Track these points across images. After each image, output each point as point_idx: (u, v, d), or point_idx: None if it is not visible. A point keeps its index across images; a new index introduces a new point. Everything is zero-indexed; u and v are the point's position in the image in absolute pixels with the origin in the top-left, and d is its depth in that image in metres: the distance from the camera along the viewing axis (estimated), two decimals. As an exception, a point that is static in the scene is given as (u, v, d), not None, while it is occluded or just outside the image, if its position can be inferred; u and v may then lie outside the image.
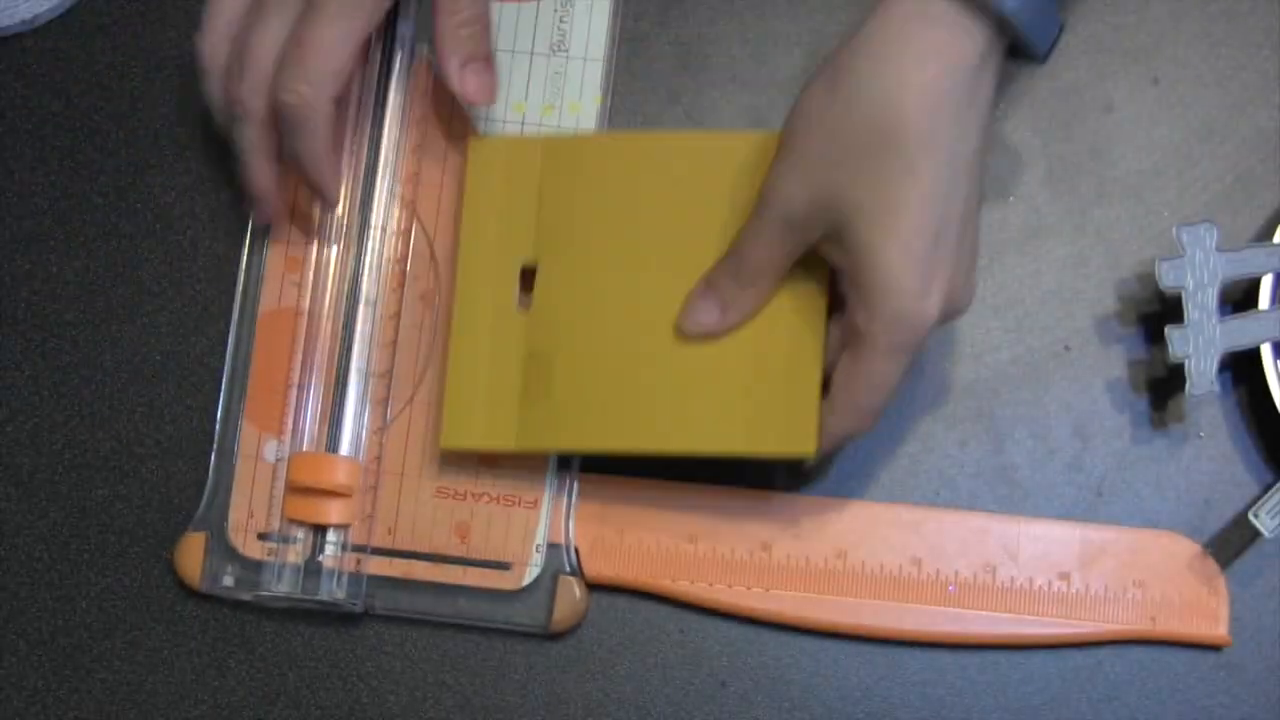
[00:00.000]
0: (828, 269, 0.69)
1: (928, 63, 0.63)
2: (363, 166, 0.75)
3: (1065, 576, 0.73)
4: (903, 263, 0.63)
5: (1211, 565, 0.73)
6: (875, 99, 0.63)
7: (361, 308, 0.74)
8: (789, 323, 0.70)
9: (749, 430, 0.70)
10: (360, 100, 0.75)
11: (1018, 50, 0.66)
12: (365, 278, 0.75)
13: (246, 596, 0.73)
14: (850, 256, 0.65)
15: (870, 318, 0.65)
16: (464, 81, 0.71)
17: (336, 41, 0.68)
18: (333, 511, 0.72)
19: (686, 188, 0.72)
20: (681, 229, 0.72)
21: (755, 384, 0.70)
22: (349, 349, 0.74)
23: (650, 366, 0.71)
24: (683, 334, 0.70)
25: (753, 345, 0.70)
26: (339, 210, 0.74)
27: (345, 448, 0.73)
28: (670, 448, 0.71)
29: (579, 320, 0.72)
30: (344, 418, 0.73)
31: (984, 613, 0.73)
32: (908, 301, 0.64)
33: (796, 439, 0.69)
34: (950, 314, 0.66)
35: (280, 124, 0.70)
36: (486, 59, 0.72)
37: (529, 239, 0.73)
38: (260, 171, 0.72)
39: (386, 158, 0.75)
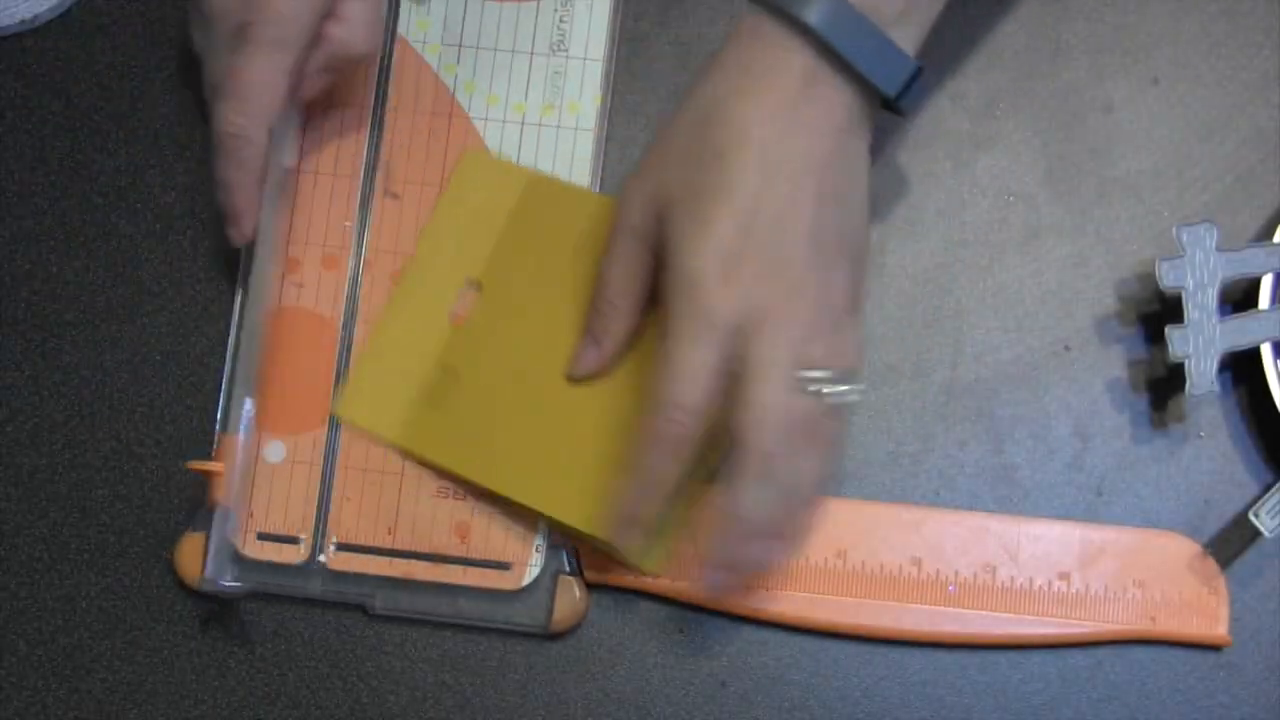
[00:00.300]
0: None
1: (751, 72, 0.65)
2: (362, 167, 0.76)
3: (1065, 576, 0.73)
4: (703, 249, 0.64)
5: (1211, 565, 0.73)
6: (705, 103, 0.66)
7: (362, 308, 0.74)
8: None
9: (599, 515, 0.70)
10: (360, 102, 0.76)
11: (888, 105, 0.68)
12: (363, 280, 0.75)
13: (245, 591, 0.73)
14: (664, 250, 0.66)
15: (671, 300, 0.65)
16: (308, 85, 0.72)
17: (265, 73, 0.69)
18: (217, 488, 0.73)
19: None
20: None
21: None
22: (348, 348, 0.75)
23: (541, 419, 0.72)
24: (571, 379, 0.72)
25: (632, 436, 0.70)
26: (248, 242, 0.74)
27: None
28: (527, 501, 0.72)
29: (497, 350, 0.73)
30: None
31: (984, 613, 0.73)
32: (702, 286, 0.64)
33: (646, 553, 0.71)
34: (762, 317, 0.64)
35: (214, 151, 0.71)
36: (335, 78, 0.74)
37: (482, 260, 0.74)
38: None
39: (386, 158, 0.76)
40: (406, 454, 0.74)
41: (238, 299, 0.75)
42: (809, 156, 0.66)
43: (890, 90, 0.66)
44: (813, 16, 0.65)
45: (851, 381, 0.66)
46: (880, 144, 0.76)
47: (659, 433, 0.66)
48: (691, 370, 0.65)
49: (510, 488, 0.72)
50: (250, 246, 0.73)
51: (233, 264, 0.76)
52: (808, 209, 0.65)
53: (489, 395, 0.73)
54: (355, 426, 0.74)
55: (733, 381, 0.65)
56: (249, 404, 0.72)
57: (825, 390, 0.65)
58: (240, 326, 0.75)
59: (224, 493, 0.71)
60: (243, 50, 0.69)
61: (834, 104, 0.66)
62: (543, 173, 0.76)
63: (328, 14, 0.70)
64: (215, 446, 0.74)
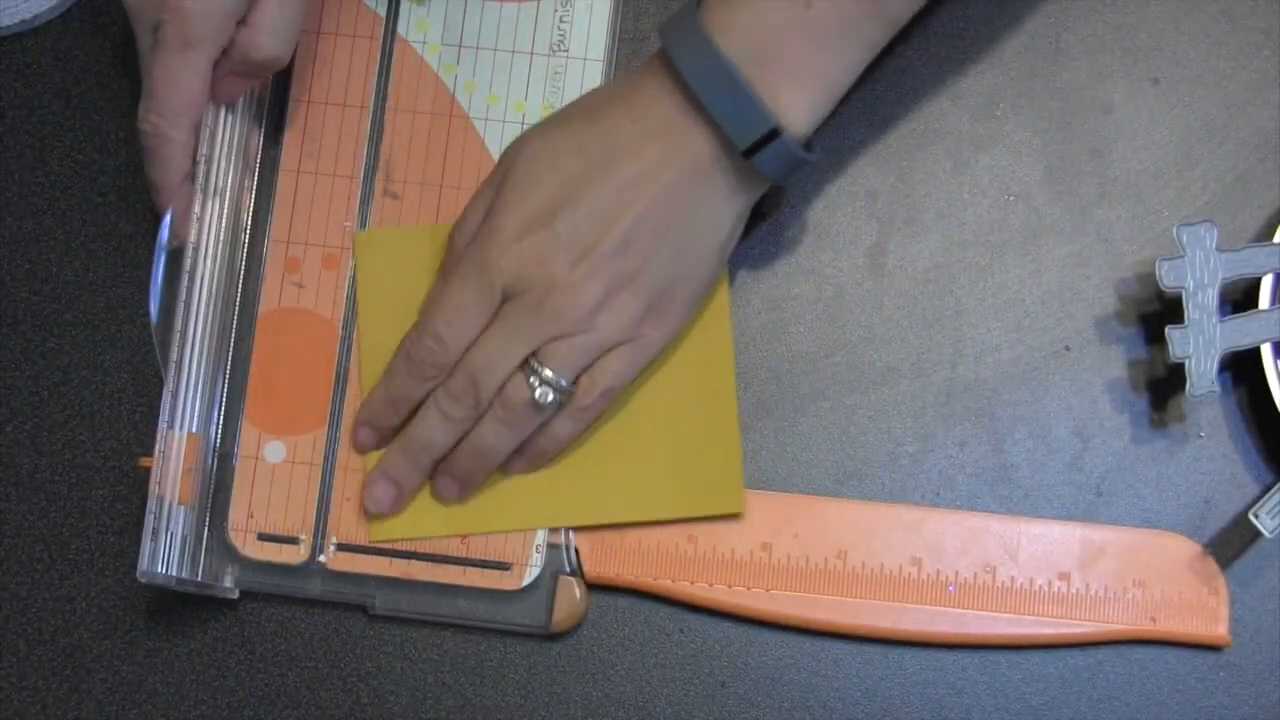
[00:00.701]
0: (729, 321, 0.74)
1: (636, 91, 0.70)
2: (362, 167, 0.76)
3: (1065, 576, 0.73)
4: (514, 205, 0.70)
5: (1212, 565, 0.73)
6: (594, 102, 0.72)
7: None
8: (701, 384, 0.73)
9: (677, 496, 0.72)
10: (360, 102, 0.76)
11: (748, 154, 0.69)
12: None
13: (230, 584, 0.73)
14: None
15: (474, 240, 0.71)
16: (219, 86, 0.72)
17: (180, 73, 0.69)
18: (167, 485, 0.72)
19: None
20: None
21: (677, 450, 0.73)
22: (349, 348, 0.75)
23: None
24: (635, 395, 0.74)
25: (668, 411, 0.73)
26: (204, 203, 0.74)
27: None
28: (597, 520, 0.73)
29: None
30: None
31: (984, 613, 0.73)
32: (494, 238, 0.70)
33: (726, 500, 0.72)
34: (529, 283, 0.69)
35: (142, 152, 0.71)
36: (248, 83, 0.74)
37: None
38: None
39: (386, 158, 0.76)
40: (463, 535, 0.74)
41: (238, 299, 0.75)
42: (649, 179, 0.68)
43: (740, 143, 0.68)
44: (680, 58, 0.67)
45: (564, 394, 0.70)
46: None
47: (410, 352, 0.72)
48: (454, 306, 0.70)
49: (581, 516, 0.73)
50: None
51: (233, 264, 0.76)
52: (623, 223, 0.68)
53: None
54: (404, 539, 0.74)
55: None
56: (194, 401, 0.72)
57: (535, 386, 0.70)
58: (240, 326, 0.75)
59: (167, 488, 0.71)
60: (156, 50, 0.69)
61: (691, 141, 0.68)
62: (437, 225, 0.75)
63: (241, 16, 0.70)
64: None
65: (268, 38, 0.70)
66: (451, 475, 0.72)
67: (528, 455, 0.72)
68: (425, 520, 0.74)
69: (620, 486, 0.73)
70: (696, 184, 0.69)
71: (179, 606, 0.74)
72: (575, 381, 0.70)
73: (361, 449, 0.74)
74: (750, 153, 0.68)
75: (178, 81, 0.69)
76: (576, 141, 0.70)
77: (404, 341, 0.72)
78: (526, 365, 0.70)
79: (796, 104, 0.67)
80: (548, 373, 0.70)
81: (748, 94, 0.67)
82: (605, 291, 0.69)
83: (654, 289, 0.70)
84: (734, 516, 0.73)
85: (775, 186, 0.73)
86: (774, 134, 0.67)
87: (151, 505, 0.70)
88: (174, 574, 0.71)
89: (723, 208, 0.70)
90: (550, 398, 0.70)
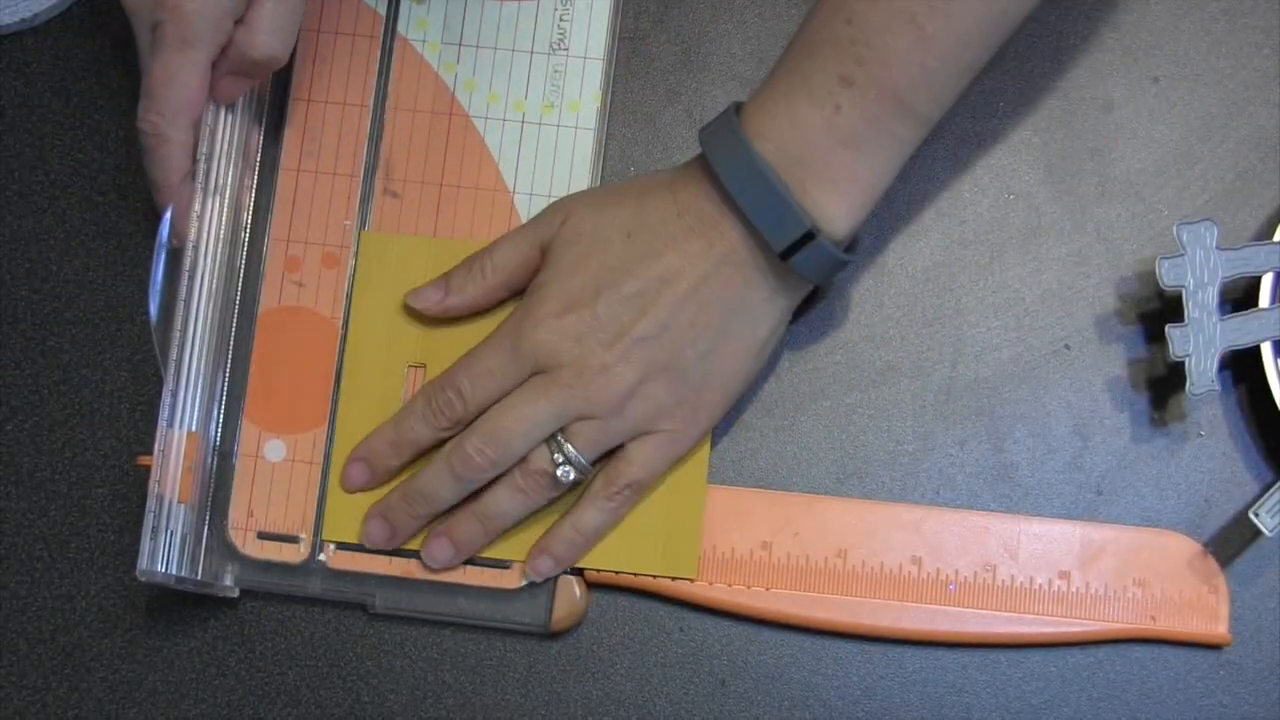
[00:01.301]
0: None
1: (675, 173, 0.71)
2: (362, 167, 0.76)
3: (1065, 575, 0.73)
4: (557, 282, 0.71)
5: (1212, 564, 0.73)
6: (649, 193, 0.72)
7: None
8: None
9: (631, 549, 0.73)
10: (360, 102, 0.76)
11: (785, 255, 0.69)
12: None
13: (188, 587, 0.73)
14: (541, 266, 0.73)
15: (516, 309, 0.72)
16: (218, 88, 0.72)
17: (178, 71, 0.69)
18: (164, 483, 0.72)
19: None
20: None
21: (643, 511, 0.73)
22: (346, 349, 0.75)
23: None
24: (408, 307, 0.74)
25: None
26: (204, 201, 0.73)
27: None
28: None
29: None
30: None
31: (984, 612, 0.73)
32: (535, 312, 0.71)
33: (679, 564, 0.73)
34: (557, 362, 0.70)
35: (142, 151, 0.71)
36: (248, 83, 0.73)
37: (417, 340, 0.74)
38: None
39: (386, 157, 0.76)
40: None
41: (238, 299, 0.75)
42: (689, 272, 0.69)
43: (776, 245, 0.68)
44: (717, 161, 0.68)
45: (584, 474, 0.71)
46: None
47: (430, 398, 0.72)
48: (484, 368, 0.71)
49: (527, 550, 0.73)
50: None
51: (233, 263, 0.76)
52: (660, 312, 0.69)
53: None
54: (351, 542, 0.74)
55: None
56: (194, 400, 0.72)
57: (559, 462, 0.70)
58: (240, 326, 0.75)
59: (166, 486, 0.71)
60: (155, 49, 0.69)
61: (729, 240, 0.69)
62: (444, 239, 0.76)
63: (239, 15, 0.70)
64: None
65: (266, 36, 0.69)
66: (450, 538, 0.72)
67: (556, 545, 0.72)
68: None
69: None
70: (735, 283, 0.69)
71: (179, 606, 0.74)
72: (595, 463, 0.71)
73: (350, 487, 0.74)
74: (787, 254, 0.68)
75: (176, 80, 0.69)
76: (625, 226, 0.70)
77: (423, 388, 0.73)
78: (552, 439, 0.70)
79: (833, 206, 0.68)
80: (571, 449, 0.70)
81: (782, 197, 0.67)
82: (638, 378, 0.70)
83: (686, 382, 0.70)
84: (733, 517, 0.73)
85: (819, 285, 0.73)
86: (809, 236, 0.67)
87: (151, 504, 0.70)
88: (174, 573, 0.71)
89: (762, 308, 0.70)
90: (571, 475, 0.70)
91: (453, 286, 0.73)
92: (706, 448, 0.73)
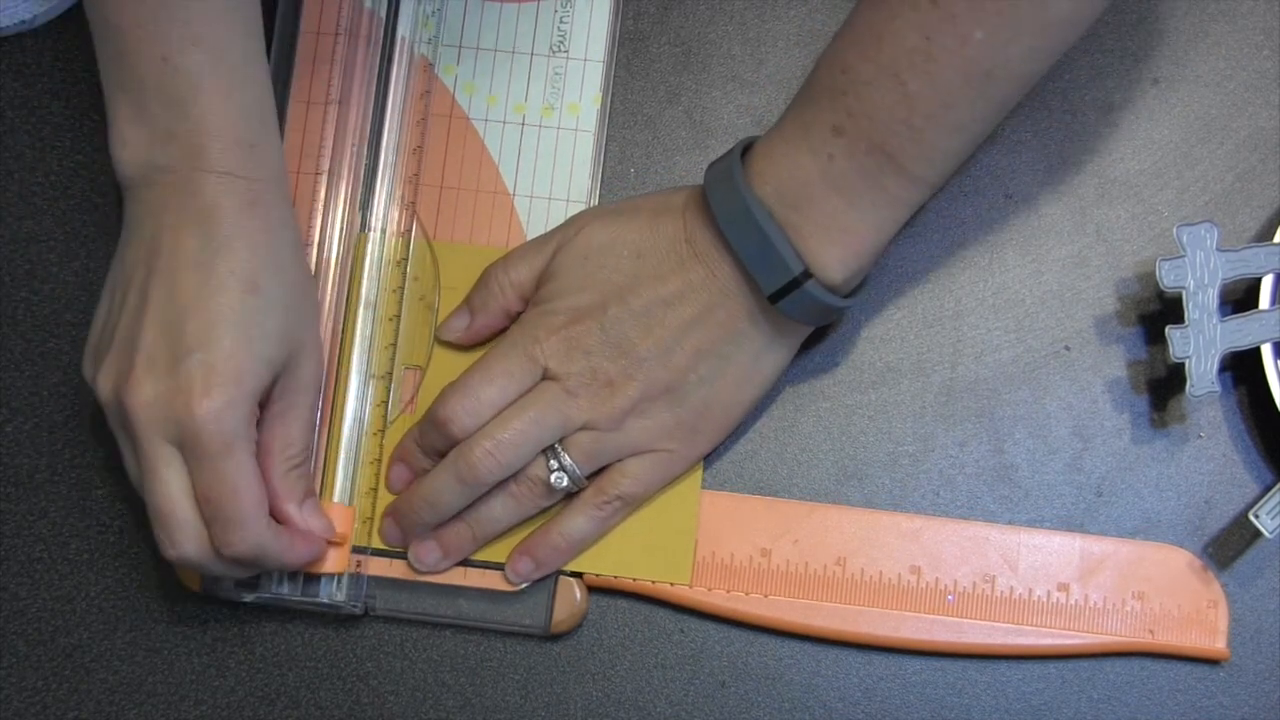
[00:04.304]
0: None
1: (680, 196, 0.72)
2: (362, 167, 0.76)
3: (1064, 587, 0.73)
4: (568, 295, 0.71)
5: (1211, 578, 0.73)
6: (661, 208, 0.72)
7: (361, 310, 0.74)
8: None
9: (623, 553, 0.73)
10: (360, 102, 0.76)
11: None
12: (364, 280, 0.75)
13: (247, 598, 0.72)
14: (548, 278, 0.73)
15: (524, 314, 0.72)
16: (308, 522, 0.70)
17: (247, 479, 0.66)
18: (329, 561, 0.72)
19: None
20: None
21: (638, 517, 0.73)
22: (347, 349, 0.75)
23: None
24: (437, 340, 0.75)
25: None
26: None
27: (338, 494, 0.73)
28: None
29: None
30: (339, 461, 0.73)
31: (983, 623, 0.72)
32: (545, 321, 0.71)
33: (672, 569, 0.73)
34: (565, 376, 0.70)
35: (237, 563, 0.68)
36: (314, 494, 0.72)
37: (428, 341, 0.75)
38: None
39: (386, 159, 0.76)
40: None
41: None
42: (693, 299, 0.70)
43: (765, 287, 0.68)
44: (714, 198, 0.68)
45: (577, 485, 0.71)
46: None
47: (447, 408, 0.71)
48: (500, 370, 0.71)
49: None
50: None
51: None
52: (664, 334, 0.70)
53: None
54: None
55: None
56: None
57: (553, 470, 0.70)
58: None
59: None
60: (211, 469, 0.65)
61: (725, 276, 0.69)
62: (448, 243, 0.76)
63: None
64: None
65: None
66: (440, 542, 0.72)
67: (539, 549, 0.72)
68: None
69: None
70: (738, 314, 0.70)
71: (179, 607, 0.74)
72: (589, 476, 0.71)
73: (396, 489, 0.74)
74: (776, 297, 0.68)
75: (246, 490, 0.66)
76: (636, 245, 0.70)
77: (442, 394, 0.72)
78: (550, 448, 0.71)
79: (826, 254, 0.68)
80: (567, 459, 0.70)
81: (771, 241, 0.67)
82: (640, 396, 0.70)
83: (686, 406, 0.71)
84: (732, 523, 0.74)
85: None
86: (798, 281, 0.68)
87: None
88: (295, 594, 0.72)
89: (764, 341, 0.71)
90: (564, 483, 0.71)
91: (475, 308, 0.73)
92: (698, 463, 0.74)
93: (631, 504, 0.72)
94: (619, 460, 0.71)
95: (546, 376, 0.70)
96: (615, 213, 0.72)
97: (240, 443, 0.66)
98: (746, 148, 0.70)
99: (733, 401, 0.72)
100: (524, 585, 0.73)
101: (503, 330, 0.74)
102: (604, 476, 0.72)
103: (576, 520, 0.72)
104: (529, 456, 0.70)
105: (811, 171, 0.67)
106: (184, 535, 0.66)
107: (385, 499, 0.74)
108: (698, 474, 0.73)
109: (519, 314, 0.73)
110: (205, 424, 0.64)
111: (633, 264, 0.70)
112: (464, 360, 0.74)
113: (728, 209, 0.68)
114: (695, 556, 0.73)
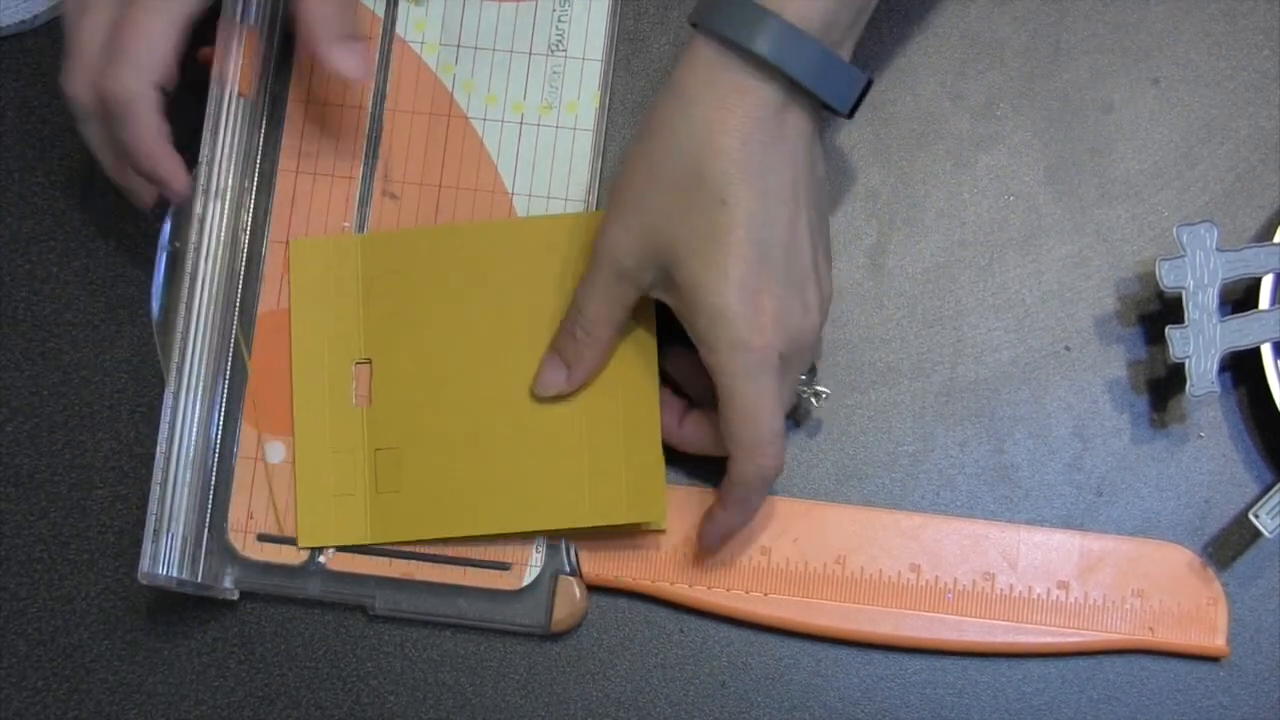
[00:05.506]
0: (654, 336, 0.72)
1: (730, 106, 0.65)
2: (361, 167, 0.76)
3: (1064, 585, 0.73)
4: (726, 289, 0.65)
5: (1211, 576, 0.73)
6: (685, 141, 0.66)
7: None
8: (624, 393, 0.72)
9: (595, 504, 0.72)
10: (359, 102, 0.76)
11: (828, 106, 0.68)
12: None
13: (234, 596, 0.73)
14: (681, 296, 0.67)
15: (712, 350, 0.66)
16: (339, 59, 0.70)
17: (158, 26, 0.67)
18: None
19: (509, 271, 0.74)
20: (508, 311, 0.73)
21: (598, 458, 0.72)
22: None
23: (495, 450, 0.73)
24: (536, 398, 0.72)
25: (590, 419, 0.72)
26: (205, 205, 0.73)
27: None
28: (524, 527, 0.73)
29: (420, 412, 0.74)
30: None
31: (982, 621, 0.72)
32: (739, 325, 0.65)
33: (645, 508, 0.72)
34: (794, 337, 0.67)
35: (107, 115, 0.69)
36: (356, 37, 0.72)
37: (359, 336, 0.75)
38: (115, 168, 0.72)
39: (385, 158, 0.76)
40: (393, 544, 0.74)
41: (237, 299, 0.75)
42: (794, 181, 0.67)
43: (844, 108, 0.67)
44: (765, 47, 0.65)
45: (815, 381, 0.72)
46: (880, 143, 0.76)
47: (760, 472, 0.68)
48: (766, 403, 0.67)
49: (502, 523, 0.73)
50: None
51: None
52: (803, 229, 0.67)
53: (437, 454, 0.73)
54: (327, 546, 0.74)
55: None
56: (195, 401, 0.73)
57: (804, 391, 0.71)
58: (239, 326, 0.75)
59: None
60: (134, 3, 0.67)
61: (801, 126, 0.67)
62: (370, 233, 0.75)
63: None
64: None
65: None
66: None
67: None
68: (348, 530, 0.74)
69: (539, 494, 0.73)
70: (812, 158, 0.68)
71: (179, 606, 0.74)
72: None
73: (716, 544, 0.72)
74: (852, 112, 0.67)
75: (156, 37, 0.67)
76: (719, 199, 0.66)
77: (736, 472, 0.69)
78: (797, 384, 0.71)
79: (848, 51, 0.67)
80: (805, 376, 0.72)
81: (841, 62, 0.66)
82: (823, 290, 0.69)
83: (828, 250, 0.70)
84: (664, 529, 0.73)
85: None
86: (868, 87, 0.67)
87: (152, 507, 0.70)
88: (174, 575, 0.71)
89: (822, 157, 0.69)
90: (815, 389, 0.73)
91: (569, 360, 0.71)
92: (655, 392, 0.72)
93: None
94: None
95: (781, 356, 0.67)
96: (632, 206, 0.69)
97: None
98: None
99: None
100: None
101: (418, 305, 0.74)
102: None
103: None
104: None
105: None
106: (81, 68, 0.68)
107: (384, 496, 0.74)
108: (655, 410, 0.72)
109: (613, 347, 0.71)
110: None
111: (756, 214, 0.66)
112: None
113: (794, 56, 0.65)
114: (663, 497, 0.72)
